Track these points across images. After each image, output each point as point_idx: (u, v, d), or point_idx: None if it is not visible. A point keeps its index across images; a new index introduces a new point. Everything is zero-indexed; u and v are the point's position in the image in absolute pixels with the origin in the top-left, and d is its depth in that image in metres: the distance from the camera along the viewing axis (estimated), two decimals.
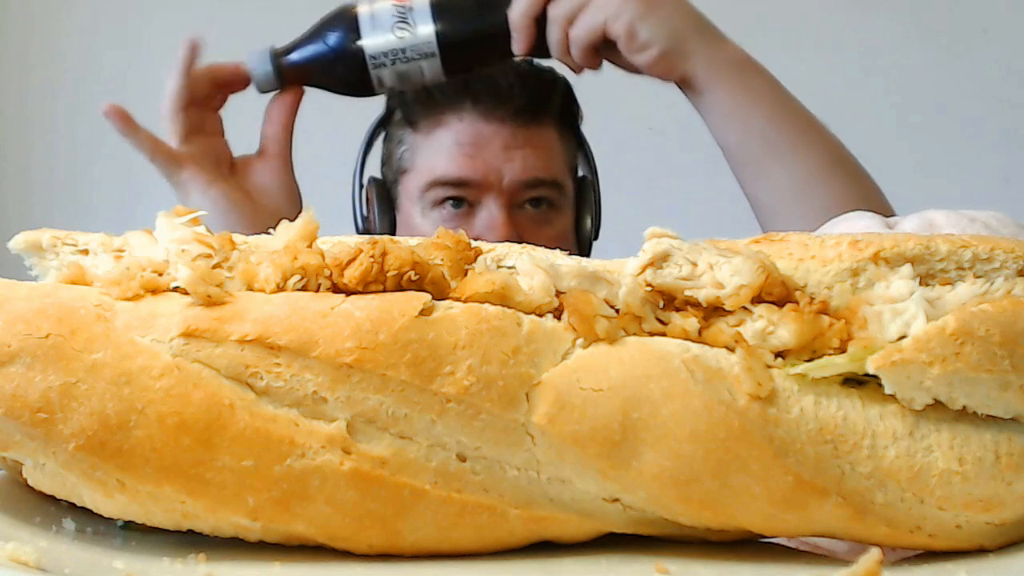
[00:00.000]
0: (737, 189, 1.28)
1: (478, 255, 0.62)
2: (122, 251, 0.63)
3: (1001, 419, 0.58)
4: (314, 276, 0.59)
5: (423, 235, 1.46)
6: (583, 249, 1.56)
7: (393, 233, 1.52)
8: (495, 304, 0.58)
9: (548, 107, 1.53)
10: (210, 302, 0.58)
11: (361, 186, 1.57)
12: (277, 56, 1.28)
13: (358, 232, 1.56)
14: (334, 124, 1.59)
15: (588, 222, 1.58)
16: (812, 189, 1.23)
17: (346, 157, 1.61)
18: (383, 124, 1.60)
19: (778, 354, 0.58)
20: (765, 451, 0.56)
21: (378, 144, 1.61)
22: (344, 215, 1.58)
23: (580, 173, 1.61)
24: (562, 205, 1.54)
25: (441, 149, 1.50)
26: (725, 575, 0.56)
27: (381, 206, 1.55)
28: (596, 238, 1.59)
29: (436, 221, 1.49)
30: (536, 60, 1.54)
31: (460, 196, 1.49)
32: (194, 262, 0.59)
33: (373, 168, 1.62)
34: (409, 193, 1.53)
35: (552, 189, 1.52)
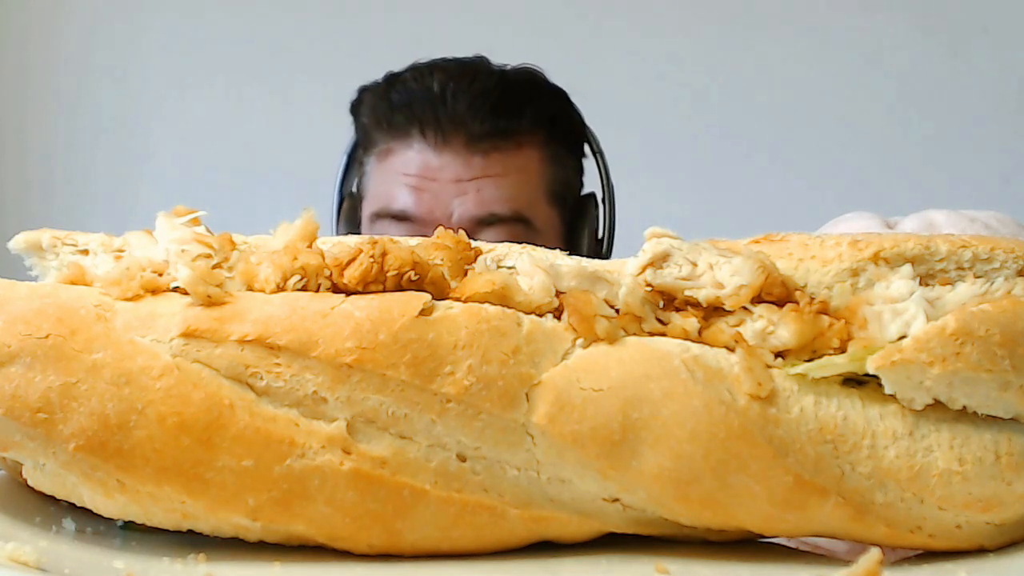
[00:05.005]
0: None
1: (478, 255, 0.62)
2: (122, 251, 0.63)
3: (1001, 419, 0.58)
4: (314, 276, 0.59)
5: None
6: None
7: None
8: (495, 304, 0.58)
9: (520, 125, 1.36)
10: (210, 302, 0.58)
11: (341, 199, 1.49)
12: None
13: None
14: (322, 139, 1.57)
15: (584, 244, 1.42)
16: None
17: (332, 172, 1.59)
18: (358, 143, 1.49)
19: (778, 354, 0.58)
20: (765, 451, 0.56)
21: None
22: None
23: (583, 189, 1.46)
24: (532, 240, 1.42)
25: (388, 179, 1.38)
26: (725, 575, 0.56)
27: (349, 222, 1.47)
28: (609, 257, 1.43)
29: None
30: (517, 67, 1.40)
31: (406, 232, 1.32)
32: (194, 262, 0.59)
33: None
34: (365, 220, 1.43)
35: (514, 225, 1.34)
